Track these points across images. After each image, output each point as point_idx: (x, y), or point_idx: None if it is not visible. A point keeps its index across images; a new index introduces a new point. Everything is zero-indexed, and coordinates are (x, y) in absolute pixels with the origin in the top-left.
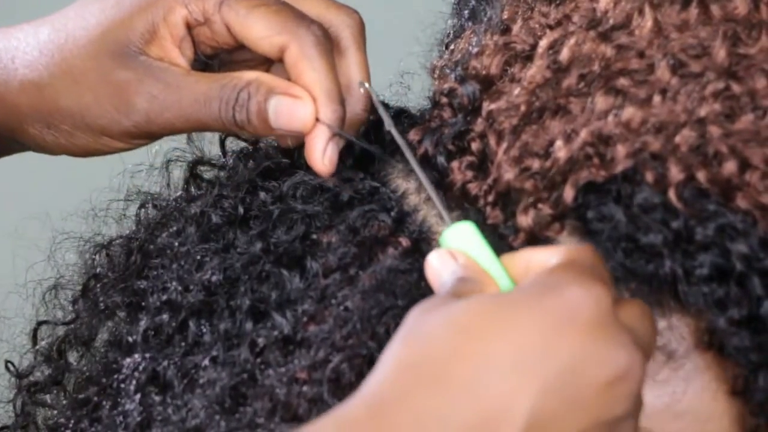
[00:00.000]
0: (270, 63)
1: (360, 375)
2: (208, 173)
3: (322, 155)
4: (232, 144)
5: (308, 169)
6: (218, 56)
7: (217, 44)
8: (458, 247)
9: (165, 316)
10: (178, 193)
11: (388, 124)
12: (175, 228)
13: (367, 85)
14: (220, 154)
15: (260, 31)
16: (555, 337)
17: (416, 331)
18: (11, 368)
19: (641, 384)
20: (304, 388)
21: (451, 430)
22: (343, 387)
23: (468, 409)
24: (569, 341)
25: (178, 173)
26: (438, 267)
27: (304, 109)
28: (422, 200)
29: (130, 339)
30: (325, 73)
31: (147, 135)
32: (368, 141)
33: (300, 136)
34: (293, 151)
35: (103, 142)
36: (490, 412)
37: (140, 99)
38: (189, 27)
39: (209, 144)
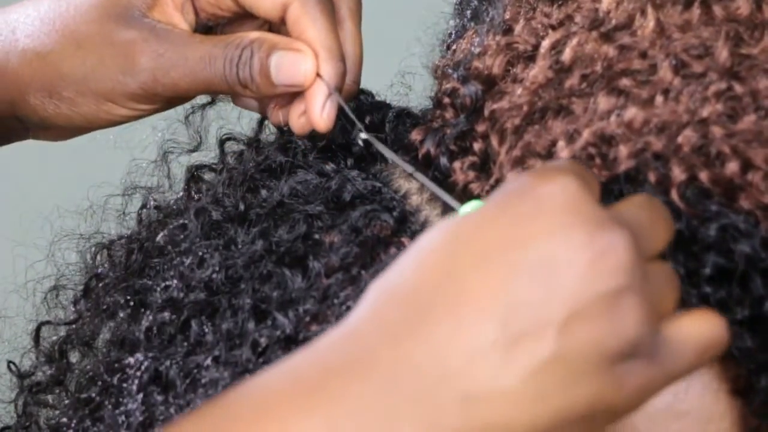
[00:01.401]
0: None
1: None
2: (208, 175)
3: (321, 110)
4: (231, 145)
5: (309, 168)
6: (218, 25)
7: (219, 9)
8: None
9: (167, 316)
10: (180, 194)
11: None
12: (176, 227)
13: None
14: (219, 157)
15: None
16: (520, 229)
17: (393, 266)
18: (13, 368)
19: (632, 258)
20: None
21: (423, 340)
22: None
23: (439, 318)
24: (536, 230)
25: (176, 167)
26: None
27: (305, 63)
28: (424, 200)
29: (132, 338)
30: (326, 31)
31: (151, 97)
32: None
33: (300, 89)
34: (294, 151)
35: (106, 108)
36: (461, 316)
37: (146, 58)
38: None
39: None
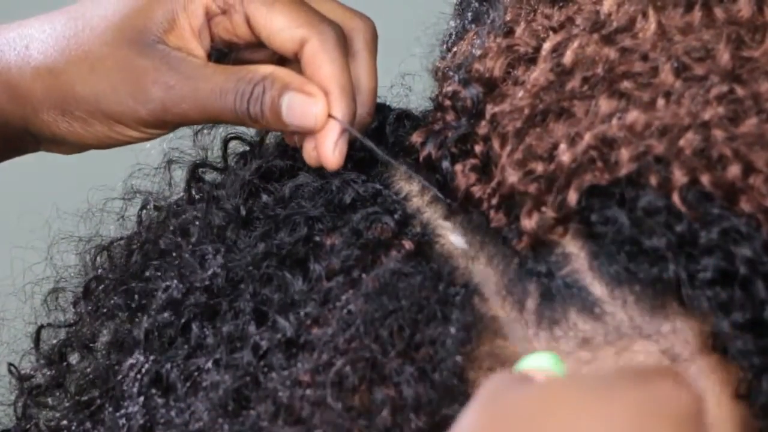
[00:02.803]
0: (281, 63)
1: (363, 378)
2: (209, 175)
3: (333, 148)
4: (235, 144)
5: (310, 170)
6: (233, 52)
7: (235, 37)
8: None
9: (168, 318)
10: (180, 195)
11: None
12: (177, 229)
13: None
14: (221, 157)
15: (282, 22)
16: (646, 423)
17: (499, 402)
18: (13, 371)
19: None
20: (308, 392)
21: None
22: (346, 390)
23: None
24: (660, 429)
25: (179, 174)
26: None
27: (316, 107)
28: (425, 203)
29: (132, 341)
30: (341, 69)
31: (161, 124)
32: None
33: (310, 133)
34: (295, 153)
35: (117, 130)
36: None
37: (156, 88)
38: (208, 17)
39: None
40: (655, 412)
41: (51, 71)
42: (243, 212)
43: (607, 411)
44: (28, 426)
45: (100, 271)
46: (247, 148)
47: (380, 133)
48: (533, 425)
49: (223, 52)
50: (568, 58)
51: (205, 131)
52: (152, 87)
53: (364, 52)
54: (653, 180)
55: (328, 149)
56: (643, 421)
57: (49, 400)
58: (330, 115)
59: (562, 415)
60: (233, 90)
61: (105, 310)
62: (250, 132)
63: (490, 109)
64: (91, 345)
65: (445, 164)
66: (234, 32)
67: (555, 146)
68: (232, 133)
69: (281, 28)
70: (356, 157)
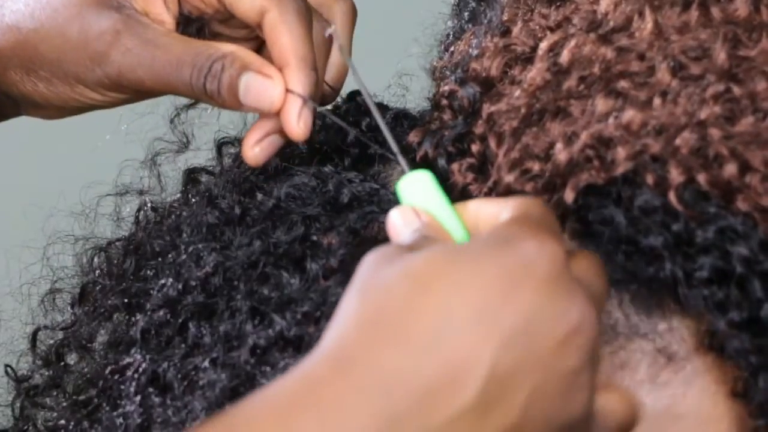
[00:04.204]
0: (253, 44)
1: None
2: (204, 177)
3: (297, 120)
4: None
5: (306, 171)
6: (204, 23)
7: (202, 4)
8: (414, 196)
9: (165, 318)
10: (177, 196)
11: (359, 84)
12: (173, 230)
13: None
14: (216, 160)
15: None
16: (512, 291)
17: (373, 283)
18: (10, 372)
19: (595, 337)
20: None
21: (413, 387)
22: None
23: (430, 365)
24: (526, 295)
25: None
26: (400, 224)
27: (273, 89)
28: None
29: (129, 341)
30: (301, 39)
31: (119, 88)
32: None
33: (267, 113)
34: (291, 154)
35: (78, 91)
36: (451, 367)
37: (115, 51)
38: None
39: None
40: (523, 275)
41: (19, 30)
42: (238, 211)
43: (477, 282)
44: (26, 426)
45: (97, 272)
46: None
47: (377, 132)
48: (406, 307)
49: (190, 20)
50: (564, 57)
51: (181, 117)
52: (110, 49)
53: (341, 33)
54: (650, 179)
55: (292, 122)
56: (514, 286)
57: (47, 400)
58: (288, 90)
59: (434, 293)
60: (190, 63)
61: (102, 311)
62: (241, 135)
63: (487, 109)
64: (88, 345)
65: (442, 163)
66: (201, 0)
67: (551, 145)
68: (224, 138)
69: None
70: (353, 155)
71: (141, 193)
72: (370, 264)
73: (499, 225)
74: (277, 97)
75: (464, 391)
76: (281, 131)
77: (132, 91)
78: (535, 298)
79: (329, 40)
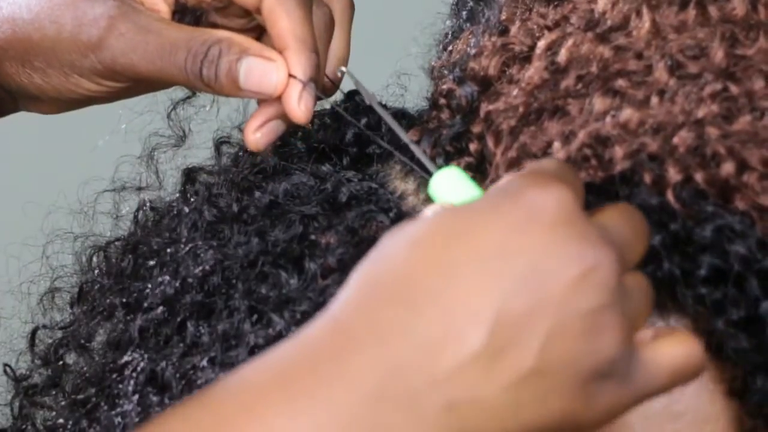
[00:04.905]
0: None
1: None
2: (203, 177)
3: (298, 103)
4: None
5: (304, 170)
6: (197, 10)
7: None
8: (448, 193)
9: (163, 317)
10: (175, 195)
11: (368, 98)
12: (172, 229)
13: (344, 69)
14: (215, 159)
15: None
16: (516, 237)
17: (379, 251)
18: (9, 371)
19: (616, 276)
20: None
21: (414, 341)
22: None
23: (431, 318)
24: (530, 240)
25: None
26: None
27: (276, 73)
28: (421, 201)
29: (127, 340)
30: (300, 22)
31: (114, 75)
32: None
33: (268, 98)
34: (289, 153)
35: (73, 81)
36: (454, 316)
37: (109, 37)
38: None
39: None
40: (528, 221)
41: (15, 21)
42: (237, 210)
43: (479, 234)
44: (24, 426)
45: (96, 271)
46: (239, 150)
47: (376, 131)
48: (407, 265)
49: (191, 15)
50: (562, 56)
51: (179, 112)
52: (104, 34)
53: (338, 26)
54: (647, 178)
55: (293, 105)
56: (519, 233)
57: (46, 399)
58: (290, 75)
59: (434, 250)
60: (185, 48)
61: (101, 310)
62: (239, 135)
63: (485, 108)
64: (87, 345)
65: (440, 162)
66: None
67: (549, 144)
68: (223, 138)
69: None
70: (351, 154)
71: (139, 189)
72: (384, 237)
73: (505, 180)
74: (280, 81)
75: (470, 337)
76: (283, 116)
77: (127, 79)
78: (541, 242)
79: (330, 26)
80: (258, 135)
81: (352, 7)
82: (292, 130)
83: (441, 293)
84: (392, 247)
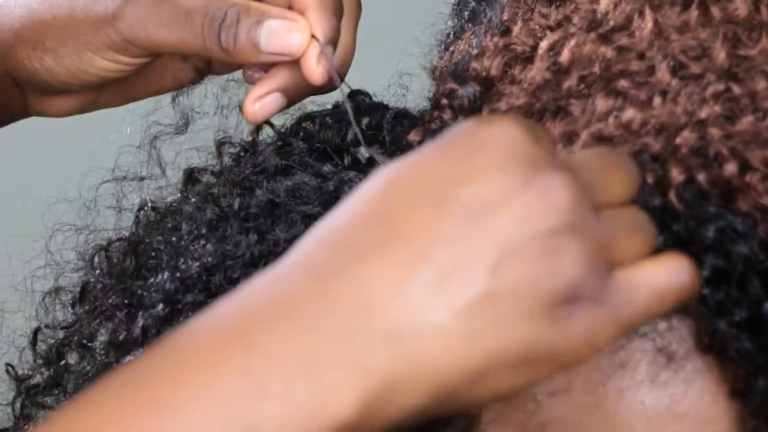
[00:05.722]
0: None
1: None
2: (204, 177)
3: (317, 63)
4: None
5: (306, 170)
6: None
7: None
8: None
9: (165, 317)
10: (177, 195)
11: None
12: (173, 229)
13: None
14: (216, 160)
15: None
16: (459, 168)
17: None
18: (11, 371)
19: (574, 200)
20: None
21: (347, 278)
22: None
23: (366, 255)
24: (474, 169)
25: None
26: None
27: (299, 34)
28: None
29: (130, 340)
30: None
31: (130, 49)
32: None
33: (289, 59)
34: (291, 153)
35: (87, 60)
36: (391, 252)
37: (126, 7)
38: None
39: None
40: (474, 153)
41: (28, 4)
42: (239, 211)
43: (428, 170)
44: (26, 426)
45: (98, 271)
46: (241, 150)
47: (378, 131)
48: (351, 207)
49: None
50: (564, 56)
51: (182, 96)
52: (121, 4)
53: (346, 18)
54: (650, 178)
55: (312, 65)
56: (464, 165)
57: (47, 399)
58: (312, 36)
59: (379, 195)
60: (201, 12)
61: (103, 309)
62: (241, 135)
63: (487, 108)
64: (89, 344)
65: None
66: None
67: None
68: (224, 138)
69: None
70: (352, 155)
71: (141, 179)
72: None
73: (455, 124)
74: (303, 41)
75: (409, 264)
76: (286, 90)
77: (142, 52)
78: (488, 170)
79: (341, 8)
80: (258, 105)
81: (359, 8)
82: (288, 106)
83: (376, 234)
84: (338, 206)
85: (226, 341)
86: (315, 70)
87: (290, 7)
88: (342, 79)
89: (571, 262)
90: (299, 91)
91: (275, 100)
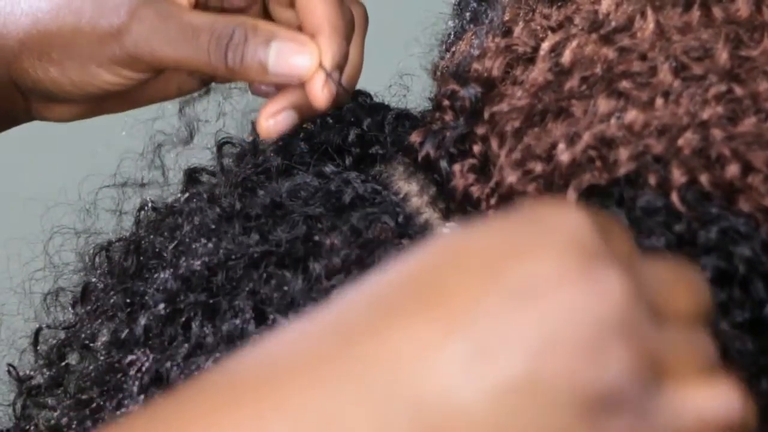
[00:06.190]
0: None
1: None
2: (205, 177)
3: (322, 88)
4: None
5: (308, 171)
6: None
7: None
8: None
9: (167, 317)
10: (177, 196)
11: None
12: (175, 229)
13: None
14: (216, 160)
15: None
16: (519, 247)
17: (387, 263)
18: (12, 372)
19: (629, 299)
20: None
21: (385, 340)
22: None
23: (408, 318)
24: (533, 249)
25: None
26: None
27: (308, 57)
28: (425, 203)
29: (132, 340)
30: (336, 9)
31: (134, 64)
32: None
33: (296, 83)
34: (292, 153)
35: (91, 72)
36: (434, 317)
37: (131, 22)
38: None
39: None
40: (537, 235)
41: (35, 15)
42: (240, 210)
43: (487, 244)
44: (27, 426)
45: (98, 271)
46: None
47: (379, 132)
48: (404, 271)
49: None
50: (566, 57)
51: (189, 106)
52: (125, 21)
53: (354, 34)
54: (652, 180)
55: (317, 90)
56: (525, 244)
57: (49, 400)
58: (320, 64)
59: (432, 261)
60: (208, 30)
61: (105, 310)
62: (242, 135)
63: (489, 109)
64: (90, 345)
65: (444, 164)
66: None
67: (554, 146)
68: (225, 138)
69: None
70: (354, 155)
71: (142, 185)
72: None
73: (526, 204)
74: (313, 65)
75: (451, 333)
76: (299, 107)
77: (147, 67)
78: (547, 252)
79: (352, 26)
80: (271, 122)
81: (367, 20)
82: (300, 125)
83: (417, 298)
84: (394, 263)
85: (239, 392)
86: (320, 95)
87: (300, 28)
88: (349, 96)
89: (618, 364)
90: (312, 108)
91: (288, 116)
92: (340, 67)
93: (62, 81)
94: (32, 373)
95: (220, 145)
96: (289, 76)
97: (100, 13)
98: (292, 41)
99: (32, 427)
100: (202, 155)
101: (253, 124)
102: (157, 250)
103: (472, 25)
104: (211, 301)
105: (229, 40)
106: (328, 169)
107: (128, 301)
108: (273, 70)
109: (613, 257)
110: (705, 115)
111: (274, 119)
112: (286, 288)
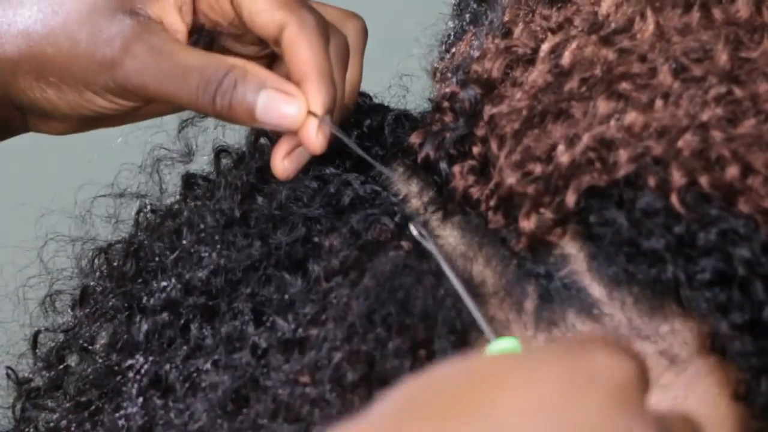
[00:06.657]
0: (263, 63)
1: (361, 376)
2: (203, 181)
3: (315, 134)
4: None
5: (307, 172)
6: (212, 33)
7: (219, 17)
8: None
9: (166, 320)
10: (176, 198)
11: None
12: (174, 231)
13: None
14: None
15: (263, 3)
16: (575, 393)
17: (430, 371)
18: (11, 374)
19: None
20: (307, 390)
21: None
22: (345, 388)
23: None
24: (590, 399)
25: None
26: None
27: (296, 107)
28: (423, 204)
29: (131, 342)
30: (321, 53)
31: (126, 95)
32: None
33: (286, 132)
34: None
35: (87, 98)
36: None
37: (124, 57)
38: None
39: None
40: (585, 383)
41: (30, 36)
42: (239, 212)
43: (532, 384)
44: (26, 428)
45: (97, 273)
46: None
47: (379, 133)
48: (454, 394)
49: (206, 38)
50: (566, 59)
51: (190, 127)
52: (118, 54)
53: (353, 52)
54: (652, 181)
55: (311, 137)
56: (572, 392)
57: (48, 402)
58: (309, 112)
59: (486, 388)
60: (198, 73)
61: (104, 312)
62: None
63: (488, 111)
64: (89, 347)
65: (443, 165)
66: (218, 10)
67: (553, 147)
68: (221, 146)
69: (262, 9)
70: (354, 157)
71: (139, 196)
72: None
73: (577, 339)
74: (300, 116)
75: None
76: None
77: (139, 99)
78: (596, 404)
79: (346, 55)
80: (286, 163)
81: (365, 34)
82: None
83: (475, 422)
84: (443, 368)
85: None
86: (314, 141)
87: (288, 76)
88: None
89: None
90: (343, 114)
91: (301, 154)
92: (331, 110)
93: (59, 103)
94: (31, 375)
95: (218, 152)
96: (278, 124)
97: (94, 42)
98: (279, 92)
99: (32, 429)
100: (200, 162)
101: (255, 139)
102: (156, 252)
103: (471, 26)
104: (210, 303)
105: (218, 85)
106: (328, 170)
107: (127, 303)
108: (260, 118)
109: (656, 425)
110: (705, 116)
111: (288, 159)
112: (285, 290)
